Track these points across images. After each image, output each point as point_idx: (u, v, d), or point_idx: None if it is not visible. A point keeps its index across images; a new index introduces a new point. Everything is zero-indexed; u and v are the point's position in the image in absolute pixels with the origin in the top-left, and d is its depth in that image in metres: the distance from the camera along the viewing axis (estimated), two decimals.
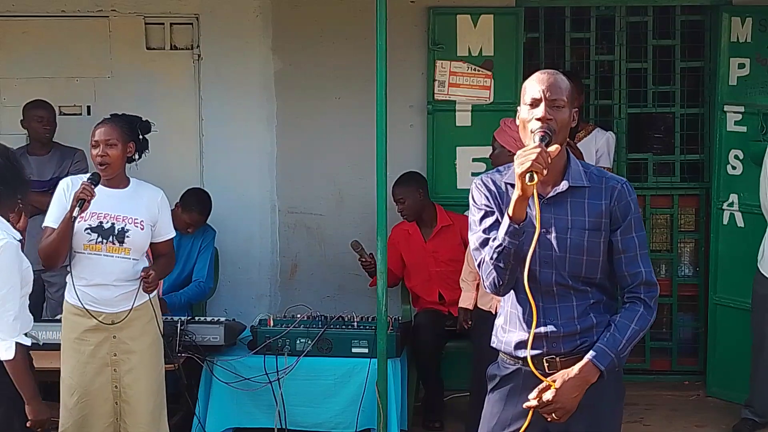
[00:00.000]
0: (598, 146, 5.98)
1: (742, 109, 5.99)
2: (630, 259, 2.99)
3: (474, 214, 3.05)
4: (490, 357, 4.60)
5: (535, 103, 2.94)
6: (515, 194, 2.83)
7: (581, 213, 2.97)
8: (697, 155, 6.48)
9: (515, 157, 2.83)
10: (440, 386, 5.75)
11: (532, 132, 2.91)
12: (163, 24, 6.34)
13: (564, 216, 2.96)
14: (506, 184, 3.03)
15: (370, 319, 5.35)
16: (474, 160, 6.18)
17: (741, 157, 5.95)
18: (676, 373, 6.55)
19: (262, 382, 5.08)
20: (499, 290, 2.98)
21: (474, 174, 6.12)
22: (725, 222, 6.07)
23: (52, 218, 4.21)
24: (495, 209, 3.00)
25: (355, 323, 5.33)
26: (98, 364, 4.24)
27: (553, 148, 2.86)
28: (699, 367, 6.48)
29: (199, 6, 6.30)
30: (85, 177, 4.24)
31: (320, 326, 5.26)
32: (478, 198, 3.05)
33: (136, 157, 4.40)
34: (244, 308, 6.20)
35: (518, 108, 3.04)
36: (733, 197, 5.99)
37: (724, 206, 6.06)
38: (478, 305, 5.05)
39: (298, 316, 5.35)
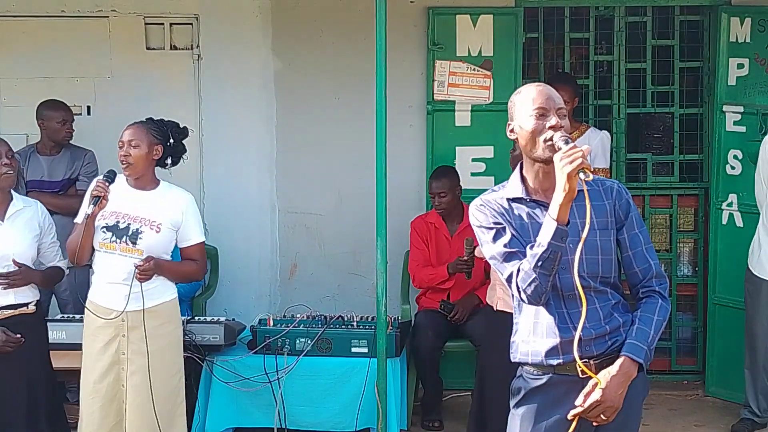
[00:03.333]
0: (592, 146, 5.90)
1: (741, 109, 6.00)
2: (638, 254, 3.05)
3: (485, 234, 3.05)
4: (494, 356, 4.65)
5: (544, 113, 2.96)
6: (560, 197, 2.82)
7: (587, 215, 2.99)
8: (696, 155, 6.49)
9: (555, 158, 2.83)
10: (439, 386, 5.75)
11: (547, 141, 2.93)
12: (162, 24, 6.35)
13: (573, 220, 2.96)
14: (508, 200, 3.05)
15: (369, 319, 5.36)
16: (473, 160, 6.19)
17: (740, 157, 5.96)
18: (675, 372, 6.54)
19: (262, 381, 5.09)
20: (541, 298, 2.96)
21: (474, 174, 6.15)
22: (724, 222, 6.08)
23: (81, 215, 4.26)
24: (506, 225, 3.01)
25: (355, 323, 5.34)
26: (107, 362, 4.24)
27: (585, 148, 2.85)
28: (698, 366, 6.49)
29: (199, 6, 6.30)
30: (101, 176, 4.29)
31: (320, 326, 5.26)
32: (485, 218, 3.05)
33: (168, 161, 4.44)
34: (244, 308, 6.20)
35: (510, 122, 3.05)
36: (732, 197, 6.00)
37: (723, 206, 6.07)
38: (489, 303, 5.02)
39: (298, 315, 5.36)
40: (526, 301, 2.99)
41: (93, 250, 4.26)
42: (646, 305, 3.04)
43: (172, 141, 4.44)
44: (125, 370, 4.24)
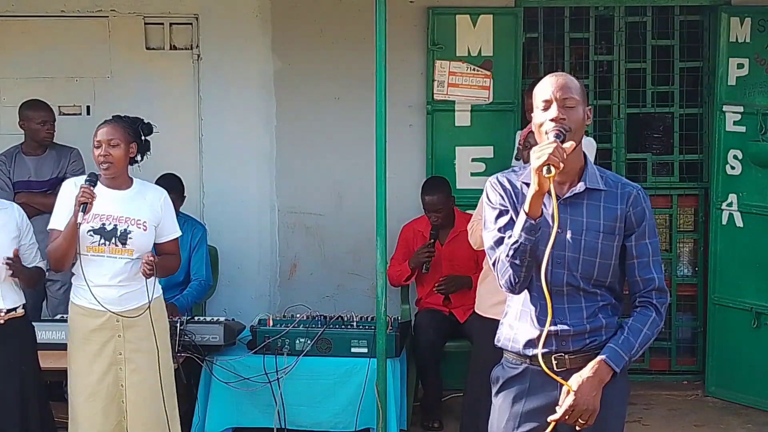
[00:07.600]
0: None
1: (741, 109, 6.00)
2: (643, 264, 3.02)
3: (489, 213, 3.06)
4: (490, 361, 4.65)
5: (547, 106, 2.96)
6: (531, 189, 2.85)
7: (597, 216, 2.98)
8: (696, 155, 6.48)
9: (531, 152, 2.85)
10: (439, 386, 5.74)
11: (546, 132, 2.93)
12: (162, 24, 6.35)
13: (579, 218, 2.97)
14: (522, 183, 3.03)
15: (369, 319, 5.35)
16: (473, 160, 6.19)
17: (740, 157, 5.96)
18: (675, 372, 6.54)
19: (262, 381, 5.09)
20: (514, 288, 2.99)
21: (473, 174, 6.15)
22: (724, 222, 6.08)
23: (58, 221, 4.21)
24: (510, 208, 3.01)
25: (355, 323, 5.34)
26: (105, 364, 4.23)
27: (569, 145, 2.88)
28: (698, 366, 6.49)
29: (199, 6, 6.30)
30: (83, 179, 4.22)
31: (319, 326, 5.26)
32: (494, 197, 3.06)
33: (138, 158, 4.40)
34: (244, 308, 6.19)
35: (531, 116, 3.06)
36: (732, 197, 6.00)
37: (723, 206, 6.07)
38: (482, 312, 5.03)
39: (298, 315, 5.35)
40: (503, 289, 3.02)
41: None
42: (639, 316, 3.02)
43: (143, 138, 4.40)
44: (123, 369, 4.24)
